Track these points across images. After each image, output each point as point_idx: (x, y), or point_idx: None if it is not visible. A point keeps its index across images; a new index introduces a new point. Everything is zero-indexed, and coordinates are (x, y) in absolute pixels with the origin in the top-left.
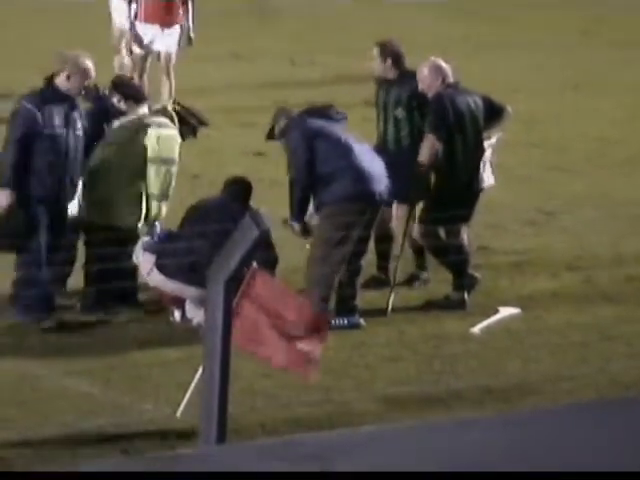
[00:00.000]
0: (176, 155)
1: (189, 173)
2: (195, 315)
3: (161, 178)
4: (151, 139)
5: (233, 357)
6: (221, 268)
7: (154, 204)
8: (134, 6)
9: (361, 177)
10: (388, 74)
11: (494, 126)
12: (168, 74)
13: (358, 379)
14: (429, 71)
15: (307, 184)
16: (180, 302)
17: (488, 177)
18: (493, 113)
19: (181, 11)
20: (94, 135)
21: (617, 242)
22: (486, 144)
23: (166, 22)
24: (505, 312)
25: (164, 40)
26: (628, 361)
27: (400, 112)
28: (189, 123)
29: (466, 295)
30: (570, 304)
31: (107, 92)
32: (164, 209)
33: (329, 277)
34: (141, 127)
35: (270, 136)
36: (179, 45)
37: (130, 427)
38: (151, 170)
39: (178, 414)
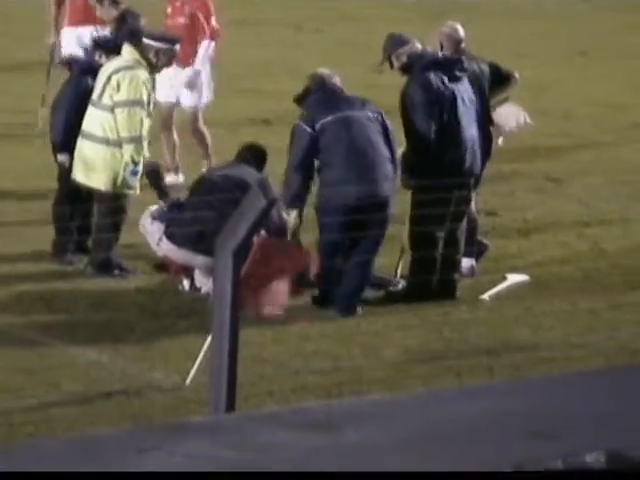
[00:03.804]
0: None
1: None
2: (204, 284)
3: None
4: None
5: (242, 324)
6: (229, 237)
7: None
8: None
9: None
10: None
11: (501, 92)
12: None
13: (367, 347)
14: (445, 35)
15: (430, 137)
16: (189, 271)
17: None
18: (500, 79)
19: None
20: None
21: (625, 209)
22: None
23: None
24: (513, 279)
25: None
26: (637, 328)
27: None
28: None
29: (475, 262)
30: (578, 271)
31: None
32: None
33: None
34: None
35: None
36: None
37: (139, 395)
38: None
39: (187, 382)
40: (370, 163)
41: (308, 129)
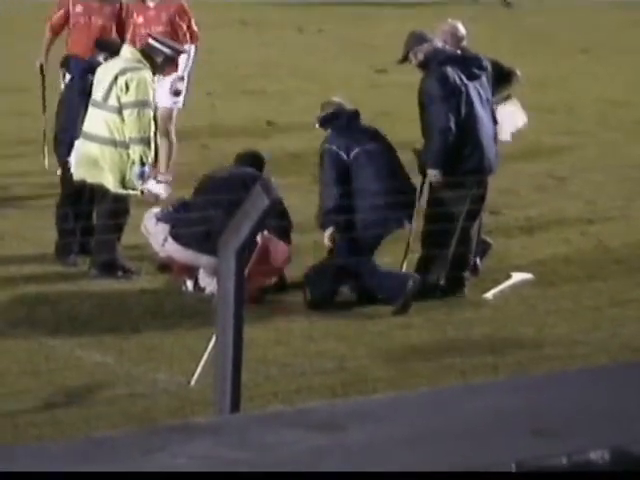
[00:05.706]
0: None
1: (198, 143)
2: (208, 284)
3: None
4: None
5: (246, 325)
6: (232, 237)
7: (134, 148)
8: None
9: (483, 150)
10: None
11: (503, 90)
12: None
13: (371, 346)
14: (448, 33)
15: (450, 130)
16: (192, 272)
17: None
18: (502, 77)
19: None
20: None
21: (629, 205)
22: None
23: None
24: (517, 277)
25: None
26: None
27: None
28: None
29: (479, 261)
30: (582, 269)
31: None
32: (148, 153)
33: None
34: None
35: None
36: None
37: (144, 397)
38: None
39: (192, 383)
40: (397, 192)
41: (343, 155)
